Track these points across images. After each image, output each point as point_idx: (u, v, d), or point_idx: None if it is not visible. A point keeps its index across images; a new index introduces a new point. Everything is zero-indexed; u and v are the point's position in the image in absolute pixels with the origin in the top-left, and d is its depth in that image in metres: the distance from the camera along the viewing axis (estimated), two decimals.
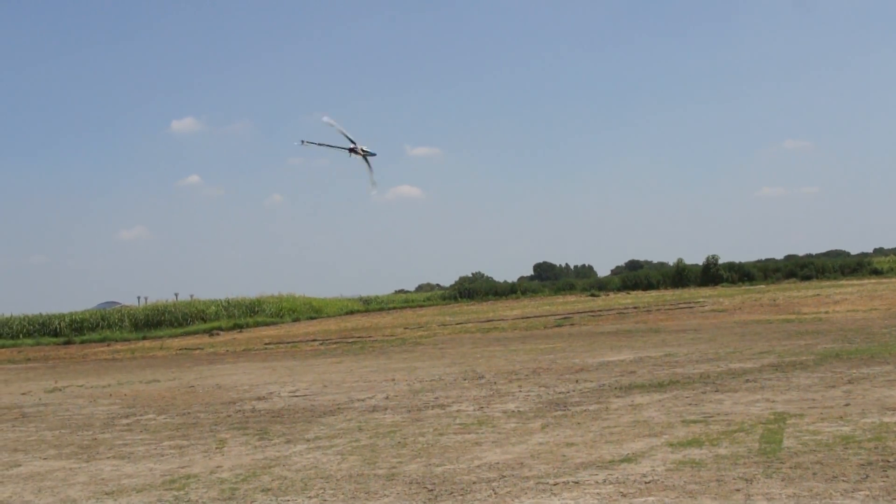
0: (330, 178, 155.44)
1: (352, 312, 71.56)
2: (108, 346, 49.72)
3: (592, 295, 73.48)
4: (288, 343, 38.20)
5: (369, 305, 77.57)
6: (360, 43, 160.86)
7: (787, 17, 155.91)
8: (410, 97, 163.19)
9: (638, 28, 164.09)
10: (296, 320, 63.48)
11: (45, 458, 12.79)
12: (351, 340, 37.14)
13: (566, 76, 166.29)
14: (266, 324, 60.15)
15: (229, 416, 16.03)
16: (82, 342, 54.79)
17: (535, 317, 44.88)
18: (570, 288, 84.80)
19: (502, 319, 44.43)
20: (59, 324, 61.83)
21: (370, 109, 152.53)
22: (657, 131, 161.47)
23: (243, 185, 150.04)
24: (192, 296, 69.97)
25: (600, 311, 46.09)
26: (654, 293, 71.43)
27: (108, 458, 12.46)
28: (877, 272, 76.67)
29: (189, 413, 16.81)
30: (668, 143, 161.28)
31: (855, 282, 64.74)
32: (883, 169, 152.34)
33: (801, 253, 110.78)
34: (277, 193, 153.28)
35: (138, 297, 73.24)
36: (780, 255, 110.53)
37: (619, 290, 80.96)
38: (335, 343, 36.36)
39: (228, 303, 66.32)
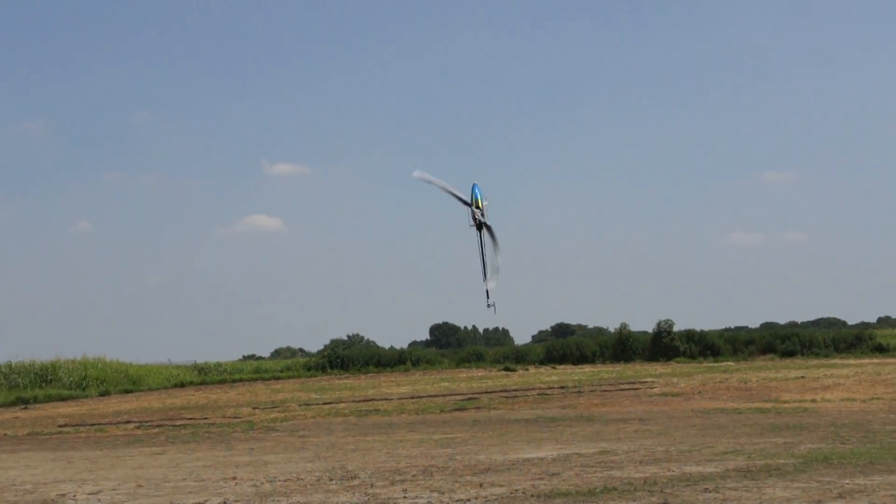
0: (160, 199, 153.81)
1: (182, 385, 70.49)
2: None
3: (507, 369, 73.80)
4: (92, 425, 37.38)
5: (207, 376, 76.56)
6: (200, 31, 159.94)
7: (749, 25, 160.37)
8: (269, 100, 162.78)
9: (563, 20, 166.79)
10: (104, 394, 62.24)
11: None
12: (179, 423, 36.57)
13: (472, 71, 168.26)
14: (62, 398, 58.81)
15: None
16: None
17: (430, 396, 44.83)
18: (477, 359, 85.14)
19: (386, 399, 44.27)
20: None
21: (216, 113, 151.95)
22: (595, 153, 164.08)
23: (38, 205, 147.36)
24: None
25: (516, 390, 46.27)
26: (587, 368, 72.18)
27: None
28: (881, 349, 78.56)
29: None
30: (608, 170, 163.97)
31: (852, 361, 66.37)
32: (890, 209, 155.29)
33: (782, 321, 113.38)
34: (85, 219, 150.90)
35: None
36: (754, 324, 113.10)
37: (541, 363, 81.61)
38: (157, 427, 35.74)
39: (10, 368, 64.77)
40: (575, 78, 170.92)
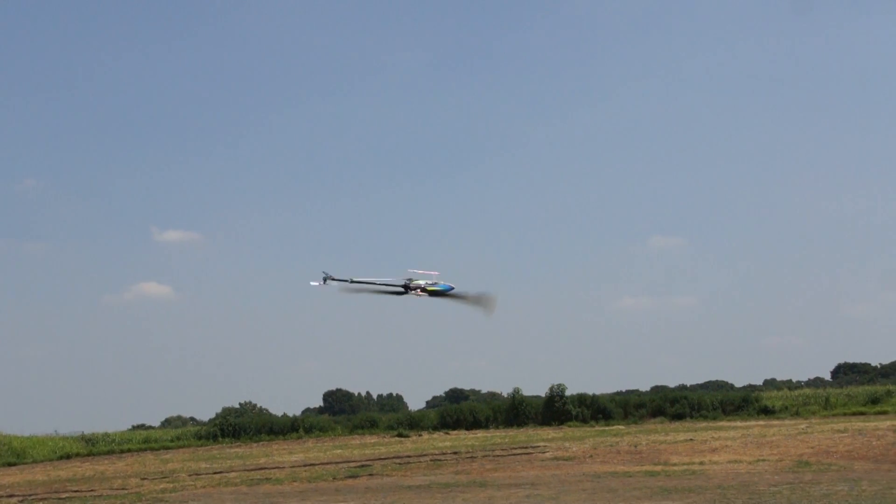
0: (46, 267, 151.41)
1: (69, 456, 69.22)
2: None
3: (400, 435, 73.69)
4: None
5: (94, 447, 75.26)
6: (88, 98, 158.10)
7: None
8: (159, 163, 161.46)
9: (449, 86, 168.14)
10: None
11: None
12: (65, 497, 35.99)
13: (364, 132, 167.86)
14: None
15: None
16: None
17: (323, 464, 44.59)
18: (371, 425, 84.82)
19: (278, 467, 43.97)
20: None
21: (104, 181, 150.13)
22: (484, 216, 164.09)
23: None
24: None
25: (409, 456, 46.22)
26: (480, 434, 72.32)
27: None
28: (767, 411, 79.86)
29: None
30: (497, 235, 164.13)
31: (739, 423, 67.50)
32: (777, 274, 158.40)
33: (671, 384, 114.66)
34: None
35: None
36: (644, 387, 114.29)
37: (435, 428, 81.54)
38: (41, 500, 35.20)
39: None
40: (463, 142, 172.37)
